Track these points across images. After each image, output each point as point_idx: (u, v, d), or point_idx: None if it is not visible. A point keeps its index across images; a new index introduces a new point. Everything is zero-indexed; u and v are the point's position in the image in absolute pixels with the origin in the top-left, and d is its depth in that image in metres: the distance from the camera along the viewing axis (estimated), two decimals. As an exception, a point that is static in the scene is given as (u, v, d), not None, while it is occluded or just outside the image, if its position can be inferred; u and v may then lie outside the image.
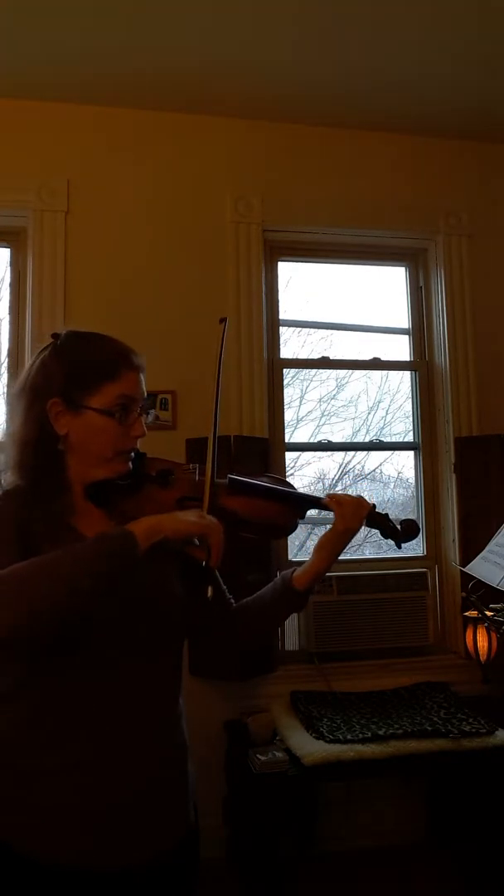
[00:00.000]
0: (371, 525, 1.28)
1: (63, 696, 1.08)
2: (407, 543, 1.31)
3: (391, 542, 1.29)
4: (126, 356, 1.18)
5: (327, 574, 2.94)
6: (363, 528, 1.27)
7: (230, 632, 1.31)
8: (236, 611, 1.32)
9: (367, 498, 1.28)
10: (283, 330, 3.09)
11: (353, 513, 1.23)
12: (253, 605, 1.31)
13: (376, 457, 3.37)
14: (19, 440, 1.15)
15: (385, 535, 1.30)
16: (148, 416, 1.19)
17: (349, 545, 1.29)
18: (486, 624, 2.49)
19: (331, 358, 3.15)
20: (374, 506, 1.28)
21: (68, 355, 1.17)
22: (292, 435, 3.16)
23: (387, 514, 1.29)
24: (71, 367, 1.15)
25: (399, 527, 1.29)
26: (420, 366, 3.16)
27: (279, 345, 3.06)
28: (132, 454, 1.19)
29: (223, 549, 1.08)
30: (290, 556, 2.89)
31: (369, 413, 3.40)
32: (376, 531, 1.30)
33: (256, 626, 1.31)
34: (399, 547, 1.31)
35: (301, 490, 1.33)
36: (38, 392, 1.15)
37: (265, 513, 1.21)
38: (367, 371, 3.26)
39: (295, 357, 3.19)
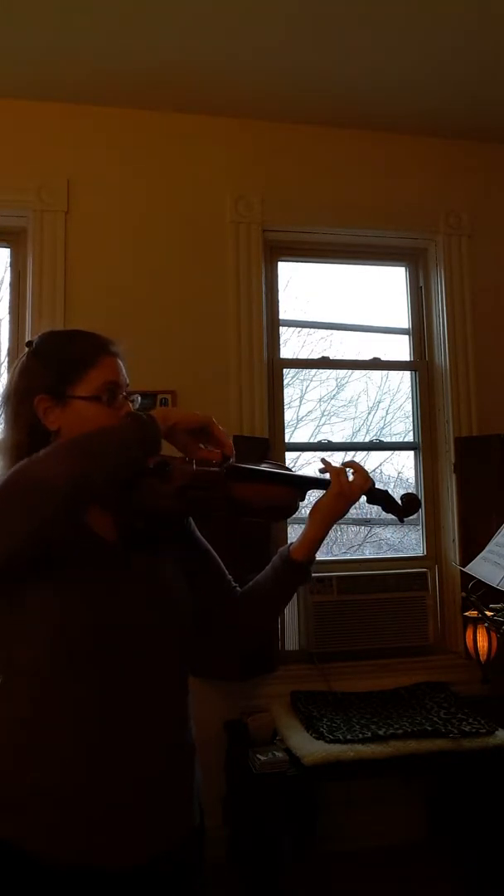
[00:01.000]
0: (372, 501, 1.30)
1: (66, 693, 1.07)
2: (409, 518, 1.33)
3: (394, 516, 1.32)
4: (103, 343, 1.20)
5: (327, 574, 2.95)
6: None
7: (234, 619, 1.30)
8: (240, 596, 1.32)
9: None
10: (283, 330, 3.09)
11: (350, 478, 1.25)
12: (256, 586, 1.31)
13: (376, 457, 3.36)
14: (12, 444, 1.15)
15: (387, 509, 1.32)
16: (135, 403, 1.21)
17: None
18: (486, 624, 2.49)
19: (331, 358, 3.15)
20: (373, 482, 1.29)
21: (46, 353, 1.18)
22: (292, 435, 3.16)
23: (387, 490, 1.31)
24: (51, 363, 1.16)
25: (400, 501, 1.31)
26: (420, 366, 3.16)
27: (279, 345, 3.06)
28: None
29: (231, 442, 1.16)
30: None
31: (369, 413, 3.39)
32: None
33: (262, 607, 1.30)
34: (402, 521, 1.34)
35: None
36: (22, 394, 1.16)
37: (265, 495, 1.22)
38: (367, 371, 3.26)
39: (295, 357, 3.19)
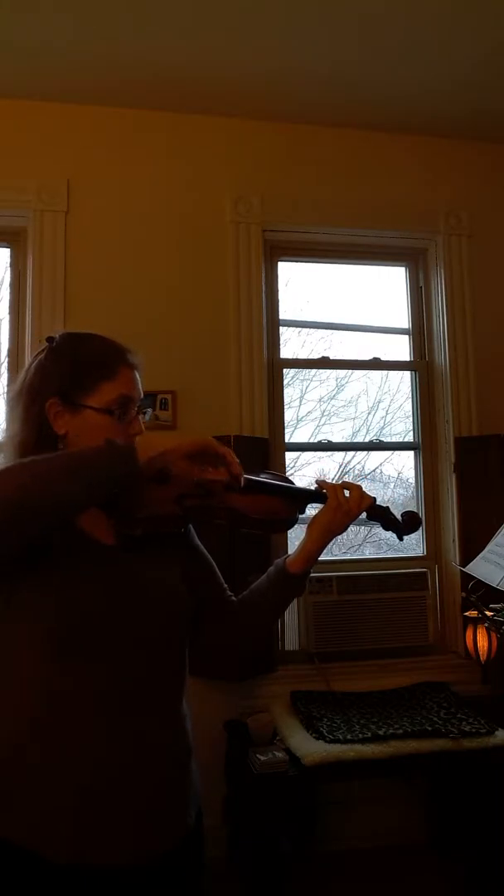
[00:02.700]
0: (372, 518, 1.29)
1: (64, 694, 1.08)
2: (408, 536, 1.33)
3: (393, 534, 1.31)
4: (123, 355, 1.19)
5: (327, 574, 2.95)
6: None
7: (230, 625, 1.31)
8: (236, 604, 1.32)
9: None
10: (283, 330, 3.09)
11: (349, 496, 1.25)
12: (251, 596, 1.31)
13: (376, 457, 3.36)
14: (18, 442, 1.15)
15: (386, 527, 1.31)
16: (145, 416, 1.20)
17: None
18: (486, 624, 2.50)
19: (331, 358, 3.15)
20: (374, 499, 1.28)
21: (65, 356, 1.17)
22: (292, 435, 3.16)
23: (388, 507, 1.30)
24: (68, 367, 1.15)
25: (400, 519, 1.30)
26: (420, 366, 3.16)
27: (279, 345, 3.06)
28: None
29: (237, 465, 1.11)
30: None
31: (369, 413, 3.39)
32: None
33: (256, 616, 1.31)
34: (401, 539, 1.33)
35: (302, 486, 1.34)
36: (35, 393, 1.15)
37: (264, 507, 1.22)
38: (367, 371, 3.26)
39: (295, 357, 3.19)
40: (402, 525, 1.30)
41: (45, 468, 1.00)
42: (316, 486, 1.28)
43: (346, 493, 1.26)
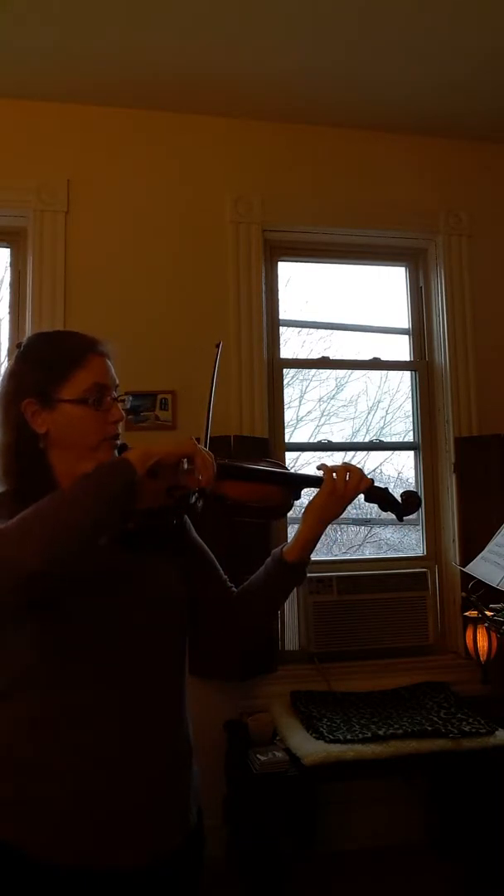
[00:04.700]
0: (370, 499, 1.28)
1: (64, 698, 1.07)
2: (408, 517, 1.31)
3: (392, 515, 1.29)
4: (91, 343, 1.19)
5: (327, 574, 2.95)
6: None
7: (231, 619, 1.30)
8: (235, 596, 1.32)
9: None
10: (283, 330, 3.09)
11: (342, 477, 1.23)
12: (250, 587, 1.31)
13: (376, 457, 3.36)
14: (0, 446, 1.16)
15: (384, 508, 1.29)
16: (126, 403, 1.20)
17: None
18: (486, 624, 2.49)
19: (331, 358, 3.15)
20: (372, 481, 1.27)
21: (34, 355, 1.18)
22: (292, 435, 3.16)
23: (386, 488, 1.29)
24: (39, 365, 1.16)
25: (399, 499, 1.29)
26: (420, 366, 3.16)
27: (279, 345, 3.06)
28: (117, 443, 1.19)
29: (212, 470, 1.11)
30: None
31: (369, 413, 3.39)
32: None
33: (256, 608, 1.30)
34: (400, 520, 1.31)
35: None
36: (10, 397, 1.15)
37: (257, 494, 1.22)
38: (367, 371, 3.26)
39: (295, 357, 3.19)
40: (402, 505, 1.29)
41: (49, 520, 0.98)
42: (318, 469, 1.27)
43: (348, 475, 1.24)
